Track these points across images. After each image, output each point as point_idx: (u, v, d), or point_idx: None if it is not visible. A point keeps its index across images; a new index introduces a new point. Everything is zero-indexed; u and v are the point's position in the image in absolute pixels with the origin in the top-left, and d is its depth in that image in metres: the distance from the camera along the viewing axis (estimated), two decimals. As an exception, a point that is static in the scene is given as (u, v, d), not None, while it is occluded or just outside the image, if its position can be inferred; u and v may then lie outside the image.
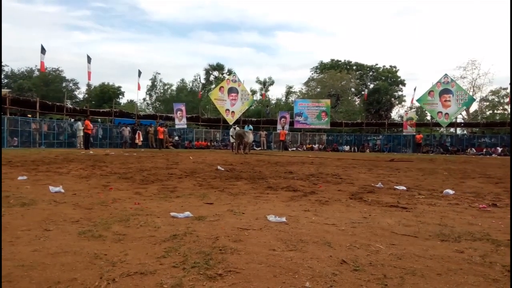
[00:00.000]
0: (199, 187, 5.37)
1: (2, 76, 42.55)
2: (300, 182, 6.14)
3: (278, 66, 75.81)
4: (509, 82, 31.31)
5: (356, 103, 44.81)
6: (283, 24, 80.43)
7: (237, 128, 20.73)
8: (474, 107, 38.65)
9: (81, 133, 19.30)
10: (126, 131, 23.61)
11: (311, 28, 79.37)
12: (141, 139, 23.89)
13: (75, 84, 47.99)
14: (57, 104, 24.38)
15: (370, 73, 48.00)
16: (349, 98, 43.97)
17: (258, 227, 2.87)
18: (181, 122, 27.36)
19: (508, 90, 33.42)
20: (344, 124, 32.87)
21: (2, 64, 42.66)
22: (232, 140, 20.71)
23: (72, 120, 23.93)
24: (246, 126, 23.54)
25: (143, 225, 2.91)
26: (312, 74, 48.52)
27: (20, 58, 71.96)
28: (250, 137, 18.04)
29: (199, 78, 42.50)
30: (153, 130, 24.05)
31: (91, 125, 18.65)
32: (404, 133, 29.69)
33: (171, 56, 78.98)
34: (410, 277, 1.85)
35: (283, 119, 29.61)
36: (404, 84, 46.20)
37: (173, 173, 6.99)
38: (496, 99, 40.37)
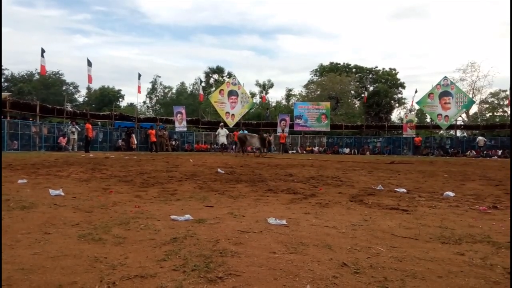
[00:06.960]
0: (199, 190, 5.36)
1: (2, 80, 42.67)
2: (300, 184, 6.13)
3: (279, 69, 76.00)
4: (509, 84, 31.32)
5: (356, 105, 44.86)
6: (284, 27, 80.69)
7: (226, 131, 21.29)
8: (474, 109, 38.75)
9: (73, 136, 19.25)
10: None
11: (312, 31, 79.61)
12: (135, 142, 24.04)
13: (75, 87, 48.16)
14: (57, 107, 24.34)
15: (370, 76, 48.07)
16: (349, 100, 44.03)
17: (258, 230, 2.87)
18: (181, 125, 27.38)
19: (508, 92, 33.46)
20: (344, 127, 32.88)
21: (3, 67, 42.86)
22: (222, 140, 21.29)
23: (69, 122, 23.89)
24: (241, 131, 23.53)
25: (143, 228, 2.90)
26: (312, 77, 48.65)
27: (21, 62, 72.25)
28: (253, 140, 17.80)
29: (200, 81, 42.77)
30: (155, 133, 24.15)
31: (91, 128, 18.62)
32: (404, 136, 29.71)
33: (172, 59, 79.26)
34: (411, 279, 1.84)
35: (283, 121, 29.62)
36: (403, 87, 46.29)
37: (173, 176, 6.99)
38: (496, 101, 40.46)
